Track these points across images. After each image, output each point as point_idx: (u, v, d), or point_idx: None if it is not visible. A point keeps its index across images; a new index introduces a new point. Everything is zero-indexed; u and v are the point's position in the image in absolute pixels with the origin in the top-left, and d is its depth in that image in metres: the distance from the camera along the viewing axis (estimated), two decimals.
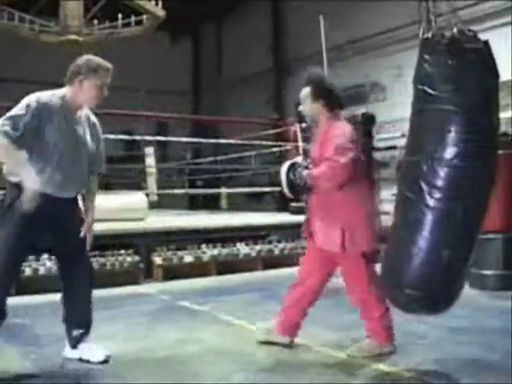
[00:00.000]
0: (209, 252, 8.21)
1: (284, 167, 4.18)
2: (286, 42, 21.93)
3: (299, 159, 4.31)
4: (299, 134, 11.92)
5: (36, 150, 3.77)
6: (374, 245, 4.18)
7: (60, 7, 13.51)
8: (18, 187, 3.75)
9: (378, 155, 8.06)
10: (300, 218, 10.18)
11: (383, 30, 17.00)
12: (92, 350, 4.09)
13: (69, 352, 4.15)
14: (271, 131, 14.94)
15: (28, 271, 6.89)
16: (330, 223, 4.14)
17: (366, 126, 7.57)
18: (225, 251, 8.36)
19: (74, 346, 4.13)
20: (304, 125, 12.37)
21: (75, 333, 4.11)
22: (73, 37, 13.57)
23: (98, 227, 7.69)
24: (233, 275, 8.00)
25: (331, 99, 4.29)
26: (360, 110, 7.92)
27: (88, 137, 4.03)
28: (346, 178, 3.99)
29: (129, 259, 7.54)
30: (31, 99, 3.78)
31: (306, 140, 12.78)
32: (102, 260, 7.36)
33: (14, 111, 3.72)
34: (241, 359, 4.15)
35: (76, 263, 4.09)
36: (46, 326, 5.13)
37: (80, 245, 4.07)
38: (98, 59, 3.99)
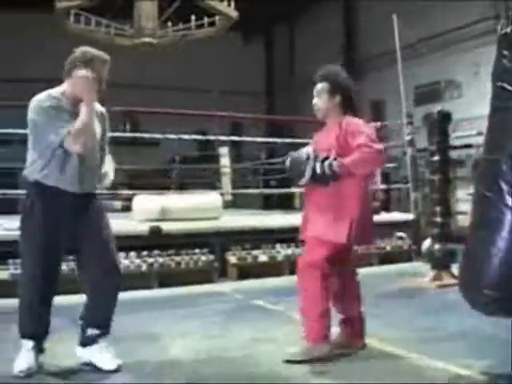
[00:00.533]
0: (283, 251, 8.20)
1: (301, 157, 4.07)
2: (358, 42, 21.79)
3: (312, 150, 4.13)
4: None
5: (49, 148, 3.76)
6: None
7: (134, 10, 13.76)
8: (37, 186, 3.80)
9: (453, 153, 7.88)
10: (378, 217, 10.14)
11: (458, 27, 16.72)
12: (103, 356, 3.95)
13: (79, 351, 4.04)
14: None
15: None
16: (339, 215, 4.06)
17: (441, 123, 7.44)
18: (298, 251, 8.33)
19: (84, 345, 4.01)
20: (378, 123, 12.27)
21: (90, 331, 4.00)
22: (147, 39, 13.81)
23: (174, 226, 7.90)
24: None
25: (348, 96, 4.27)
26: (435, 108, 7.77)
27: (98, 129, 3.95)
28: (380, 165, 4.07)
29: (203, 258, 7.61)
30: (35, 103, 3.75)
31: (380, 139, 12.67)
32: (177, 259, 7.46)
33: (37, 123, 3.73)
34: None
35: (99, 260, 3.98)
36: (122, 322, 5.24)
37: (103, 242, 4.01)
38: (93, 51, 3.86)
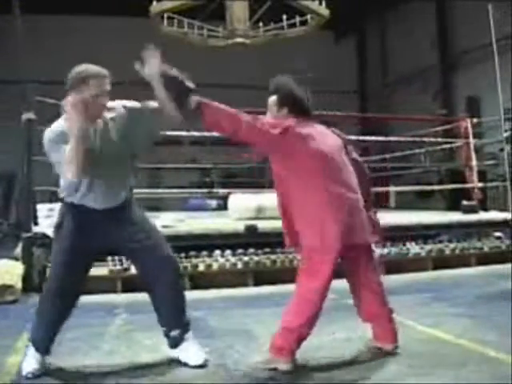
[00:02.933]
0: (378, 250, 8.12)
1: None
2: (451, 37, 21.30)
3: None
4: (470, 130, 11.55)
5: None
6: None
7: (226, 11, 13.92)
8: (66, 204, 3.92)
9: None
10: (472, 217, 9.93)
11: None
12: (189, 353, 4.04)
13: (170, 352, 4.16)
14: (440, 128, 14.55)
15: (201, 266, 7.18)
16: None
17: None
18: (394, 250, 8.26)
19: (173, 346, 4.12)
20: (475, 120, 12.00)
21: (173, 333, 4.11)
22: (240, 40, 13.93)
23: (269, 224, 7.96)
24: (401, 275, 7.89)
25: (296, 107, 4.18)
26: None
27: (118, 136, 3.91)
28: (245, 138, 3.92)
29: (298, 256, 7.62)
30: (48, 134, 3.78)
31: (477, 135, 12.38)
32: (272, 257, 7.54)
33: (51, 151, 3.76)
34: (411, 361, 4.09)
35: (154, 261, 4.04)
36: (219, 319, 5.36)
37: (150, 242, 4.04)
38: (89, 68, 3.78)
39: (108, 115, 3.91)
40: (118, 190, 3.98)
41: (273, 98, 4.24)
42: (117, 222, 3.96)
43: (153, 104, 3.95)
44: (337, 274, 3.91)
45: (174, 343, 4.12)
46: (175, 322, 4.13)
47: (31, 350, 3.98)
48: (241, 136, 3.91)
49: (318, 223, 3.94)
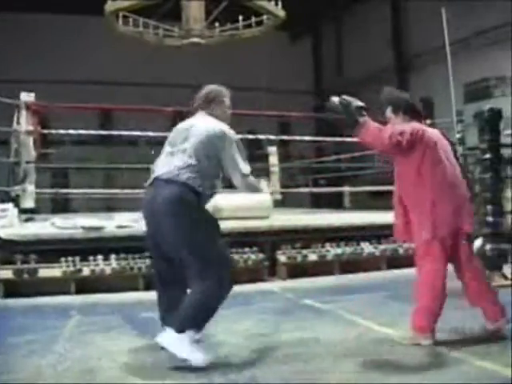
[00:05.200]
0: (332, 251, 8.17)
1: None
2: (406, 39, 21.60)
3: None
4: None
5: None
6: None
7: (182, 11, 13.89)
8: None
9: (505, 152, 7.72)
10: None
11: (509, 21, 16.38)
12: (194, 351, 3.99)
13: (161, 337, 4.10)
14: None
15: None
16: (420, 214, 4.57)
17: (492, 121, 7.32)
18: (348, 250, 8.30)
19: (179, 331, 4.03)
20: (428, 121, 12.13)
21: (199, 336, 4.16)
22: (195, 40, 13.92)
23: (226, 225, 7.92)
24: (356, 274, 7.95)
25: (411, 111, 4.68)
26: (486, 105, 7.64)
27: None
28: (383, 147, 4.46)
29: (253, 257, 7.63)
30: (229, 133, 4.34)
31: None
32: None
33: (238, 153, 4.31)
34: (365, 360, 4.09)
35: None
36: None
37: None
38: (220, 88, 4.65)
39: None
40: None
41: (389, 110, 4.77)
42: None
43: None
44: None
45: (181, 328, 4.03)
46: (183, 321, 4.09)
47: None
48: (386, 152, 4.62)
49: (433, 213, 4.43)
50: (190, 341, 3.96)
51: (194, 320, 4.02)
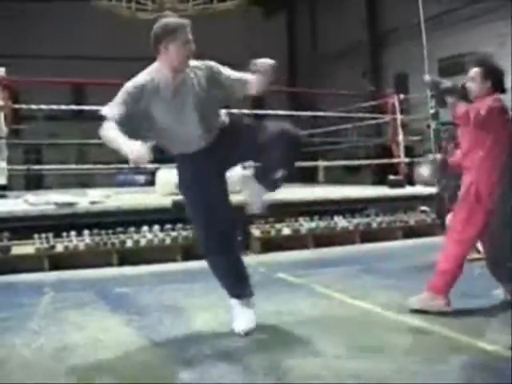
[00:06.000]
0: (306, 225, 8.22)
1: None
2: (381, 14, 21.57)
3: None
4: (398, 106, 11.73)
5: (151, 130, 3.99)
6: None
7: None
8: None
9: None
10: (398, 191, 10.12)
11: None
12: (239, 319, 4.18)
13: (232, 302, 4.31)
14: (368, 103, 14.74)
15: (129, 242, 7.12)
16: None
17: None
18: (322, 224, 8.35)
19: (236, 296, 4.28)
20: (402, 96, 12.17)
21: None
22: (168, 13, 13.80)
23: None
24: (330, 248, 7.99)
25: (499, 81, 4.63)
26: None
27: (199, 93, 4.01)
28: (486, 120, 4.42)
29: None
30: (129, 85, 3.86)
31: (403, 112, 12.58)
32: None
33: (116, 98, 3.84)
34: (335, 332, 4.15)
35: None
36: (148, 295, 5.33)
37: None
38: (172, 20, 4.02)
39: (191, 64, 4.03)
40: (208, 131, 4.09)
41: (476, 70, 4.66)
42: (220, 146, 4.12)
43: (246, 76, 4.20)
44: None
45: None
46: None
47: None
48: (474, 125, 4.48)
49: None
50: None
51: None
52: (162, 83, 3.90)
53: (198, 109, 3.99)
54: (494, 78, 4.60)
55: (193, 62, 4.03)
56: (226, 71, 4.19)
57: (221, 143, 4.09)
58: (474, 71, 4.66)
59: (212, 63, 4.15)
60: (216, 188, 4.25)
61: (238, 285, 4.27)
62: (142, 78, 3.91)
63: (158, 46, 3.90)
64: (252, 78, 4.18)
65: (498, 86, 4.61)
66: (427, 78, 4.78)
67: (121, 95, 3.83)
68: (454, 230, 4.59)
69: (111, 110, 3.79)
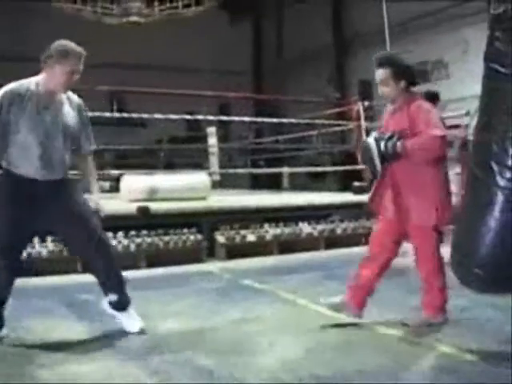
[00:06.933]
0: (271, 231, 8.21)
1: (370, 140, 4.30)
2: (347, 20, 21.70)
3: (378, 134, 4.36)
4: (362, 113, 11.81)
5: (16, 137, 3.90)
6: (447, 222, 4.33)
7: None
8: (4, 171, 3.96)
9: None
10: (363, 197, 10.16)
11: (446, 6, 16.61)
12: (130, 319, 4.29)
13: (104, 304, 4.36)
14: (333, 110, 14.80)
15: None
16: (425, 199, 4.22)
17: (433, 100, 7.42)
18: (287, 230, 8.35)
19: (117, 310, 4.32)
20: (366, 103, 12.27)
21: (110, 298, 4.30)
22: (134, 18, 13.74)
23: (162, 206, 7.88)
24: (295, 254, 8.00)
25: (411, 78, 4.37)
26: (423, 88, 7.76)
27: (69, 118, 4.08)
28: (442, 152, 4.18)
29: (192, 238, 7.61)
30: (2, 90, 3.89)
31: (368, 118, 12.67)
32: (165, 238, 7.46)
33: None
34: (302, 338, 4.15)
35: (82, 242, 4.19)
36: None
37: (81, 223, 4.12)
38: (70, 44, 3.99)
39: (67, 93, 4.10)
40: (55, 166, 4.03)
41: (386, 71, 4.33)
42: (55, 196, 4.04)
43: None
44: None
45: (115, 307, 4.31)
46: (110, 289, 4.32)
47: None
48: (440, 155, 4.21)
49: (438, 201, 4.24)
50: None
51: None
52: (34, 96, 3.93)
53: (63, 133, 4.04)
54: (406, 75, 4.34)
55: (69, 92, 4.12)
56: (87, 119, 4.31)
57: (58, 200, 4.07)
58: (384, 73, 4.35)
59: (81, 102, 4.24)
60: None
61: None
62: (18, 84, 3.95)
63: (47, 60, 3.94)
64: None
65: (411, 82, 4.36)
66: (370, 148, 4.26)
67: None
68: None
69: None
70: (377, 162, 4.22)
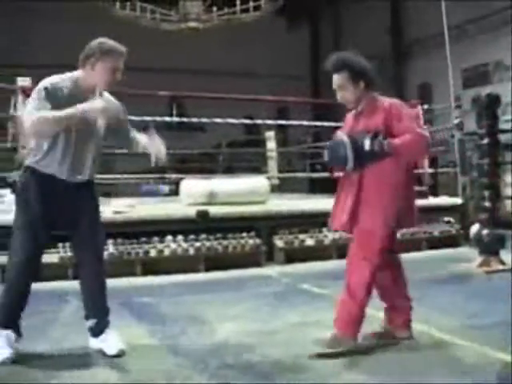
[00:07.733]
0: (330, 235, 8.18)
1: (344, 137, 4.03)
2: (405, 24, 21.51)
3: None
4: (421, 116, 11.67)
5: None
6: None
7: None
8: (30, 170, 3.87)
9: (502, 137, 7.72)
10: (423, 202, 10.04)
11: (506, 7, 16.31)
12: (107, 342, 3.99)
13: (91, 341, 4.08)
14: None
15: (153, 252, 7.13)
16: (377, 204, 4.02)
17: (490, 107, 7.31)
18: (345, 235, 8.30)
19: (94, 335, 4.06)
20: (426, 106, 12.13)
21: (90, 323, 4.07)
22: (193, 24, 13.85)
23: (221, 210, 7.94)
24: None
25: (370, 79, 4.16)
26: (484, 91, 7.64)
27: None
28: (427, 152, 4.02)
29: (250, 242, 7.64)
30: (43, 84, 3.75)
31: (428, 122, 12.51)
32: (224, 243, 7.50)
33: (31, 99, 3.77)
34: (361, 344, 4.11)
35: (86, 249, 4.06)
36: (170, 305, 5.33)
37: (91, 231, 4.04)
38: (111, 42, 3.87)
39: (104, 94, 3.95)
40: (84, 168, 3.95)
41: (342, 76, 4.14)
42: (78, 198, 3.96)
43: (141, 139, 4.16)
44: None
45: (92, 332, 4.07)
46: (95, 312, 4.10)
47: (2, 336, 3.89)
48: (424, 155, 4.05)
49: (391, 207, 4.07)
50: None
51: None
52: (72, 93, 3.79)
53: (96, 134, 3.94)
54: (363, 75, 4.12)
55: (107, 94, 3.98)
56: (128, 123, 4.22)
57: (80, 202, 3.99)
58: (340, 78, 4.14)
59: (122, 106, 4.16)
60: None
61: None
62: (59, 79, 3.82)
63: (87, 60, 3.81)
64: (142, 139, 4.18)
65: (370, 83, 4.15)
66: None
67: (37, 96, 3.73)
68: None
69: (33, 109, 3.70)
70: (350, 160, 3.96)
